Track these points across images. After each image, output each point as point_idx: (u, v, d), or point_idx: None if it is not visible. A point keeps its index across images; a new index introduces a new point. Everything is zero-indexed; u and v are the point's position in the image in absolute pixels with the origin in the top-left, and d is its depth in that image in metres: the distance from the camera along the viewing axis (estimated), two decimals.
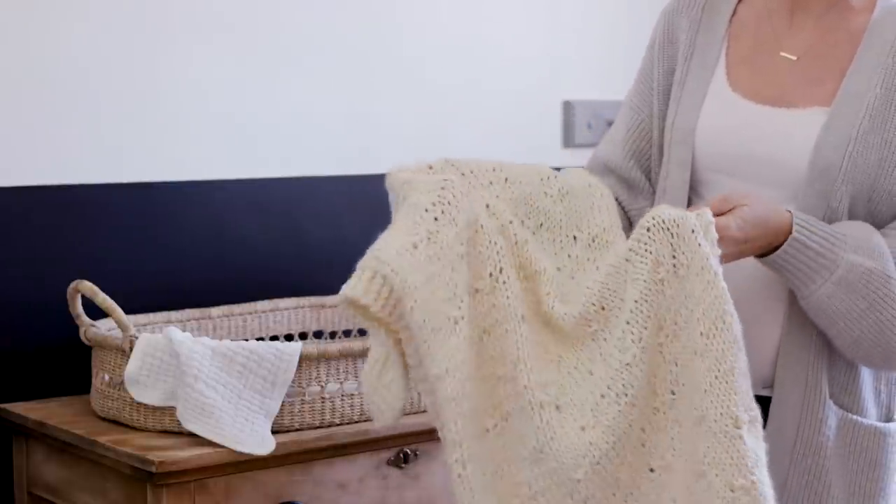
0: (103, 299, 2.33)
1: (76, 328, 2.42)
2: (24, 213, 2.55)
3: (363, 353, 2.37)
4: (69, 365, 2.56)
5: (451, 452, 1.70)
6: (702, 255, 1.66)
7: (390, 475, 2.41)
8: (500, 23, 3.16)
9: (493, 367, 1.73)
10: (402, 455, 2.42)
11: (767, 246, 1.75)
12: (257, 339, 2.68)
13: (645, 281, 1.69)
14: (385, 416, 1.70)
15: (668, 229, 1.68)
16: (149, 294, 2.64)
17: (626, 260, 1.71)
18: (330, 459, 2.34)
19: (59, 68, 2.58)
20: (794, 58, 1.87)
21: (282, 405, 2.30)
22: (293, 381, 2.31)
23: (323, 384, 2.34)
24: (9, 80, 2.53)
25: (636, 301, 1.69)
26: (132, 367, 2.29)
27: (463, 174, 1.80)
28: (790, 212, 1.76)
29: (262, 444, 2.24)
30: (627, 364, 1.70)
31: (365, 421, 2.39)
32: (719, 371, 1.64)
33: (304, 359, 2.31)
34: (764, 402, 1.83)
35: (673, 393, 1.69)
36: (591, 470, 1.70)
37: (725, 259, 1.70)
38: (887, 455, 1.85)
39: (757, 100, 1.87)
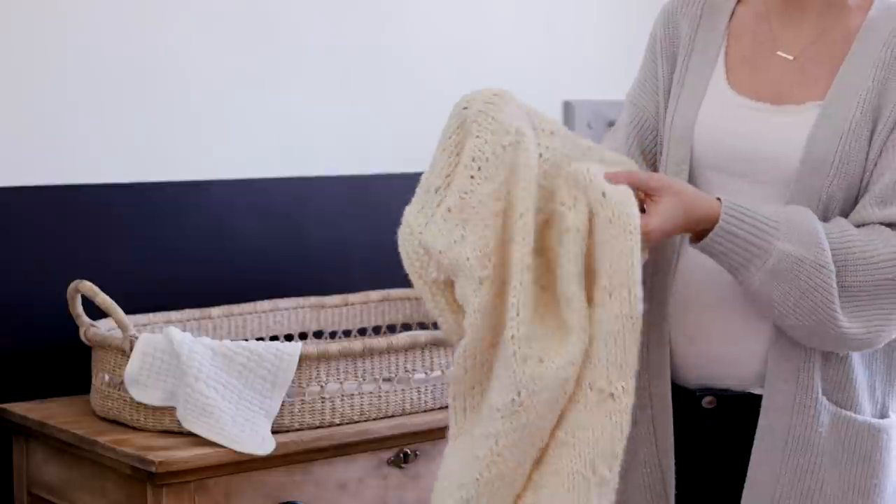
0: (103, 299, 2.33)
1: (76, 328, 2.42)
2: (24, 213, 2.54)
3: (363, 354, 2.37)
4: (69, 365, 2.56)
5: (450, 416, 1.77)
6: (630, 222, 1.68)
7: (390, 475, 2.41)
8: (499, 23, 3.16)
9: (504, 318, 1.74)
10: (402, 455, 2.42)
11: (696, 230, 1.75)
12: (257, 339, 2.68)
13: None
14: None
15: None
16: (149, 294, 2.64)
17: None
18: (330, 459, 2.34)
19: (59, 68, 2.58)
20: (791, 57, 1.88)
21: (282, 405, 2.30)
22: (293, 381, 2.31)
23: (323, 384, 2.34)
24: (9, 80, 2.53)
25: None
26: (132, 367, 2.29)
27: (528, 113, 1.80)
28: (720, 199, 1.75)
29: (262, 444, 2.24)
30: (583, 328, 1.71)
31: (365, 421, 2.39)
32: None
33: (304, 359, 2.31)
34: (756, 401, 1.84)
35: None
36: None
37: (650, 242, 1.73)
38: (883, 451, 1.85)
39: (754, 98, 1.87)
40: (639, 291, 1.66)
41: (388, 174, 2.98)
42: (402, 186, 3.04)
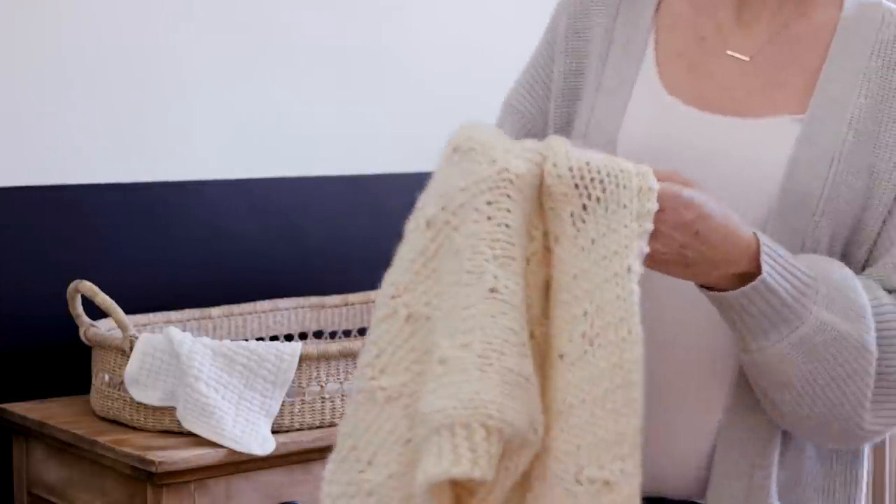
0: (103, 299, 2.33)
1: (76, 328, 2.42)
2: (24, 213, 2.54)
3: None
4: (69, 365, 2.56)
5: None
6: (624, 235, 1.23)
7: None
8: (499, 23, 3.16)
9: None
10: None
11: (721, 268, 1.32)
12: (257, 339, 2.68)
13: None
14: None
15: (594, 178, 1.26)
16: (149, 294, 2.64)
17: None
18: None
19: (59, 68, 2.57)
20: (746, 58, 1.52)
21: (282, 405, 2.30)
22: (293, 381, 2.31)
23: (323, 384, 2.34)
24: (9, 80, 2.53)
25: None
26: (132, 367, 2.29)
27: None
28: (755, 234, 1.34)
29: (263, 444, 2.24)
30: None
31: None
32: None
33: (304, 359, 2.31)
34: None
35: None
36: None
37: (665, 268, 1.30)
38: None
39: (702, 107, 1.49)
40: (637, 328, 1.21)
41: (387, 174, 2.98)
42: (401, 186, 3.06)
